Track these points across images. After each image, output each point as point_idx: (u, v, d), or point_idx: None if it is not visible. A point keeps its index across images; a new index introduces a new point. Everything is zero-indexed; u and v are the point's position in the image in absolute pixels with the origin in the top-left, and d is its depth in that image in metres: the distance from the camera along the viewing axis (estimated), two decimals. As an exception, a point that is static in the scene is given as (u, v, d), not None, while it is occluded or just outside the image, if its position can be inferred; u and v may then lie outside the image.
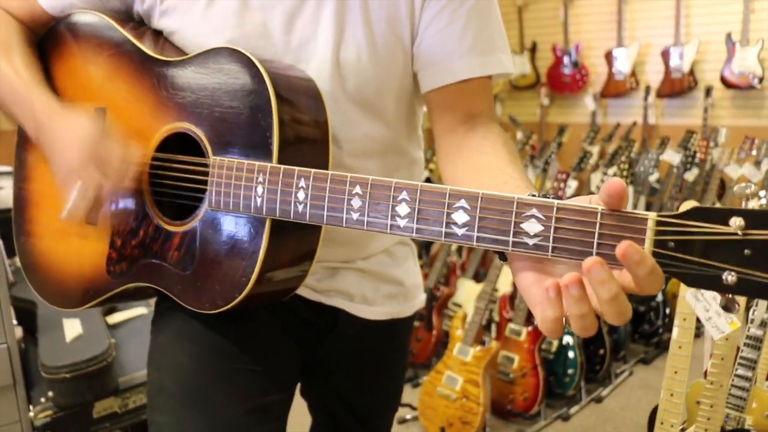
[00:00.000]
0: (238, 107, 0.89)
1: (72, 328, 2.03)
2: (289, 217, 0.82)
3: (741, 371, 1.96)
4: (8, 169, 2.94)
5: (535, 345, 2.78)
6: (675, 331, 1.77)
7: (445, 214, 0.69)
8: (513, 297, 3.04)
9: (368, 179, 0.74)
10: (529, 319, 2.88)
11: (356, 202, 0.76)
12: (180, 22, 0.98)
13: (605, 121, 5.37)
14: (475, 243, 0.68)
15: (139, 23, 1.06)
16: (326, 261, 1.05)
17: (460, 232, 0.69)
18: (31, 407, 1.92)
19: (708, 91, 4.75)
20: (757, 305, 1.94)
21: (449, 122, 1.01)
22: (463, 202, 0.68)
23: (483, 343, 2.74)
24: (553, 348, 2.87)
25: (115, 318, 2.25)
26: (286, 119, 0.87)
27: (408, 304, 1.18)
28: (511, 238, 0.66)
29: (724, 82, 4.72)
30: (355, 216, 0.76)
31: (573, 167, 3.63)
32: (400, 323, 1.18)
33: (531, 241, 0.65)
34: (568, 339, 2.87)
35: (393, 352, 1.24)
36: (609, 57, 5.24)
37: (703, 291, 1.76)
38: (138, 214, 0.99)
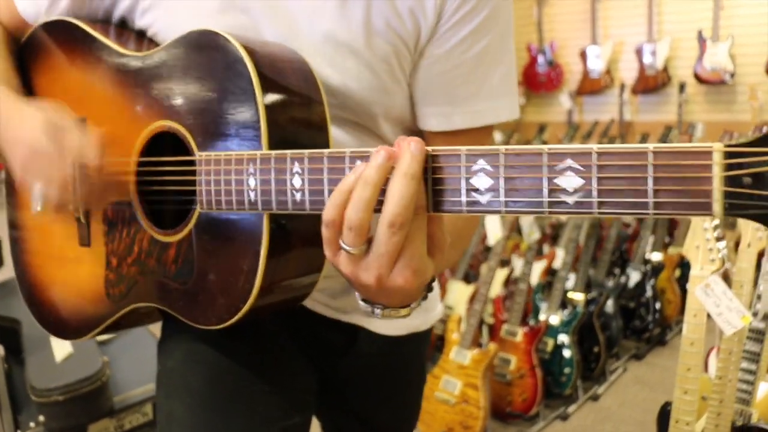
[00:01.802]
0: (218, 94, 0.79)
1: (61, 347, 1.94)
2: (287, 208, 0.71)
3: (745, 365, 1.95)
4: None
5: (531, 345, 2.75)
6: (685, 327, 1.75)
7: (463, 180, 0.59)
8: (506, 298, 3.02)
9: (370, 152, 0.63)
10: (525, 319, 2.86)
11: None
12: (162, 20, 0.91)
13: (581, 118, 5.40)
14: (504, 209, 0.58)
15: (120, 27, 0.99)
16: (341, 276, 0.99)
17: (484, 199, 0.58)
18: (19, 432, 1.83)
19: (682, 87, 4.81)
20: (760, 298, 1.94)
21: None
22: (482, 163, 0.58)
23: (480, 345, 2.71)
24: (549, 348, 2.85)
25: (88, 336, 2.16)
26: (272, 100, 0.76)
27: (427, 316, 1.12)
28: (546, 198, 0.55)
29: (697, 78, 4.78)
30: None
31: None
32: (420, 336, 1.12)
33: (571, 199, 0.54)
34: (563, 338, 2.86)
35: (413, 366, 1.19)
36: (583, 55, 5.26)
37: (713, 286, 1.75)
38: (130, 228, 0.91)
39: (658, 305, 3.35)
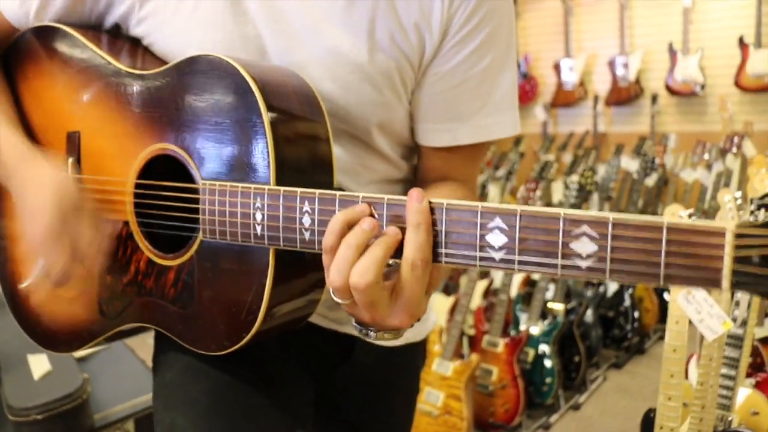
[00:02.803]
0: (224, 122, 0.78)
1: (39, 364, 1.89)
2: (295, 246, 0.72)
3: (725, 371, 1.97)
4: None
5: (513, 356, 2.76)
6: (668, 334, 1.77)
7: (478, 236, 0.61)
8: (487, 309, 3.02)
9: (383, 198, 0.65)
10: (505, 330, 2.86)
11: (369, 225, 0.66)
12: (160, 30, 0.89)
13: (556, 130, 5.47)
14: (516, 268, 0.60)
15: (113, 35, 0.97)
16: None
17: (497, 256, 0.60)
18: (-4, 453, 1.78)
19: (654, 99, 4.90)
20: (738, 305, 1.97)
21: (426, 174, 0.98)
22: (498, 221, 0.60)
23: (462, 356, 2.71)
24: (530, 358, 2.86)
25: (82, 351, 2.12)
26: (281, 132, 0.75)
27: (422, 326, 1.12)
28: (559, 261, 0.57)
29: (669, 89, 4.88)
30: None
31: (534, 177, 3.66)
32: (414, 347, 1.12)
33: (584, 264, 0.56)
34: (544, 348, 2.87)
35: (407, 377, 1.18)
36: (557, 68, 5.34)
37: (693, 293, 1.77)
38: (126, 249, 0.90)
39: (636, 314, 3.38)
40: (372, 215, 0.66)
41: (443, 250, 0.63)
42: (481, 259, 0.61)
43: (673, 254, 0.53)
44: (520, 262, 0.59)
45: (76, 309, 0.96)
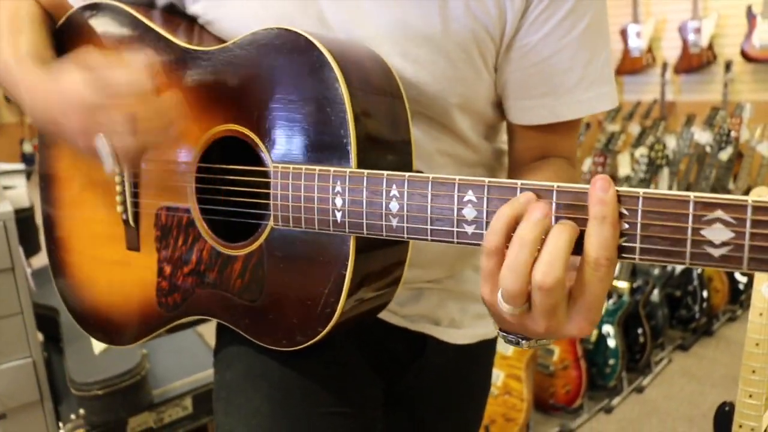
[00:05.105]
0: (298, 100, 0.72)
1: (99, 338, 1.91)
2: (380, 234, 0.65)
3: (809, 364, 1.84)
4: (16, 167, 2.81)
5: (575, 336, 2.67)
6: (750, 327, 1.66)
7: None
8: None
9: (485, 181, 0.58)
10: (567, 309, 2.77)
11: (470, 212, 0.59)
12: (217, 5, 0.84)
13: (622, 99, 5.24)
14: (638, 257, 0.53)
15: (169, 12, 0.92)
16: (409, 282, 0.92)
17: (629, 244, 0.54)
18: (60, 424, 1.81)
19: (728, 66, 4.63)
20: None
21: (522, 155, 0.89)
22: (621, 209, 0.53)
23: (522, 336, 2.63)
24: (593, 338, 2.77)
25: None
26: (362, 109, 0.69)
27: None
28: (688, 249, 0.51)
29: (745, 56, 4.61)
30: (469, 230, 0.59)
31: (600, 149, 3.50)
32: (488, 343, 1.06)
33: (717, 252, 0.50)
34: (607, 328, 2.77)
35: (480, 375, 1.12)
36: (624, 34, 5.11)
37: (780, 282, 1.64)
38: (188, 236, 0.85)
39: (705, 294, 3.23)
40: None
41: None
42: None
43: None
44: (642, 251, 0.53)
45: (132, 299, 0.92)
